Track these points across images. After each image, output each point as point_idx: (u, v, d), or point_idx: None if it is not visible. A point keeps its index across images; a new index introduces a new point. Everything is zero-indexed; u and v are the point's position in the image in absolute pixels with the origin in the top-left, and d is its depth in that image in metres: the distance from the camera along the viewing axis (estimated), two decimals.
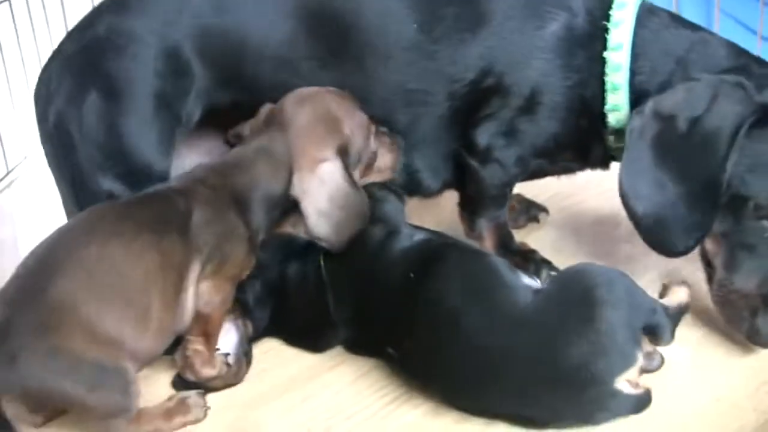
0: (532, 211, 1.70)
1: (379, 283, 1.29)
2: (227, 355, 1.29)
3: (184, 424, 1.22)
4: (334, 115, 1.33)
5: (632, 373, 1.11)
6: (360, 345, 1.33)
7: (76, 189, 1.39)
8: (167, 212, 1.23)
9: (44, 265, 1.16)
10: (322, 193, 1.28)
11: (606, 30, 1.34)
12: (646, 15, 1.36)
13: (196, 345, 1.25)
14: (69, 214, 1.42)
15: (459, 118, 1.42)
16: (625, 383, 1.11)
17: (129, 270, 1.17)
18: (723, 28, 1.64)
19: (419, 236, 1.32)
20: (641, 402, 1.14)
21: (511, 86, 1.37)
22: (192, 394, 1.24)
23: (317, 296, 1.32)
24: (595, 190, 1.77)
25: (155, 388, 1.28)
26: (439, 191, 1.52)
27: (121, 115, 1.37)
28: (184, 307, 1.22)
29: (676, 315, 1.21)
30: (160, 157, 1.38)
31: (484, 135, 1.40)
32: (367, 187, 1.37)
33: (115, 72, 1.37)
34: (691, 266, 1.42)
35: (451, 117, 1.42)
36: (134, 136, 1.37)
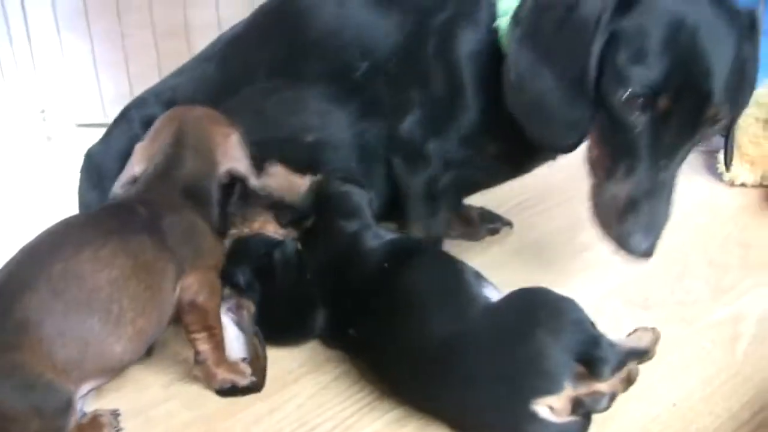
0: (495, 224, 1.71)
1: (351, 270, 1.33)
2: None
3: None
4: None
5: (555, 400, 1.09)
6: (330, 329, 1.35)
7: None
8: (133, 218, 1.25)
9: (12, 282, 1.16)
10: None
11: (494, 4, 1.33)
12: None
13: (202, 345, 1.28)
14: None
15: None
16: (545, 408, 1.09)
17: (97, 280, 1.17)
18: None
19: (391, 235, 1.37)
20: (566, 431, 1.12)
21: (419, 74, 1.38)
22: (106, 413, 1.23)
23: (299, 278, 1.36)
24: (558, 198, 1.81)
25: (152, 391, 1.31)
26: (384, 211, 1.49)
27: None
28: (161, 309, 1.23)
29: (623, 354, 1.14)
30: None
31: (404, 127, 1.39)
32: (329, 181, 1.42)
33: None
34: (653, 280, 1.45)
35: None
36: None
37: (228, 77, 1.53)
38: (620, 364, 1.13)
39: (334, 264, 1.35)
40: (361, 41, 1.41)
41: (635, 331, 1.24)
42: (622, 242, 1.17)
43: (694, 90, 1.13)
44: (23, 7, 2.28)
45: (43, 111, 2.39)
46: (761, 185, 1.85)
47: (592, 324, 1.15)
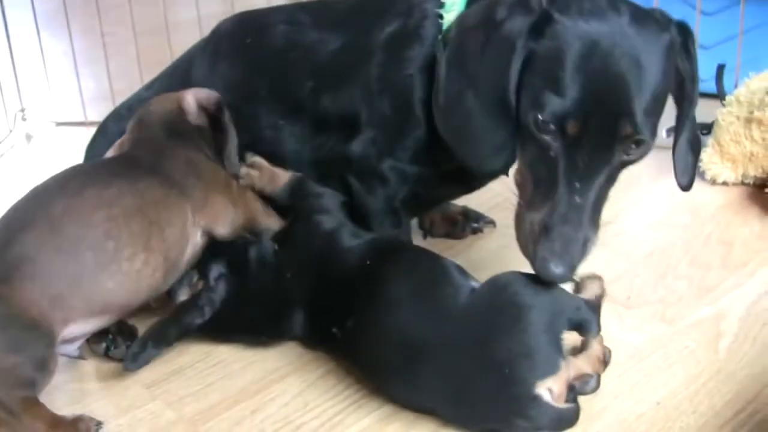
0: (478, 223, 1.70)
1: (331, 268, 1.32)
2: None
3: None
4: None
5: (554, 382, 1.11)
6: (310, 328, 1.34)
7: None
8: (138, 163, 1.34)
9: (16, 218, 1.24)
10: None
11: (441, 17, 1.32)
12: None
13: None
14: None
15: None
16: (546, 391, 1.11)
17: (95, 217, 1.23)
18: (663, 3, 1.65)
19: (371, 235, 1.37)
20: (563, 417, 1.14)
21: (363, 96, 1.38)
22: (88, 420, 1.20)
23: (275, 278, 1.35)
24: None
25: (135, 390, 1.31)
26: None
27: None
28: (169, 244, 1.30)
29: (596, 307, 1.22)
30: None
31: (357, 147, 1.39)
32: (306, 180, 1.43)
33: None
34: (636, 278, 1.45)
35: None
36: None
37: None
38: (599, 317, 1.21)
39: (312, 262, 1.34)
40: (307, 60, 1.43)
41: (581, 281, 1.28)
42: (538, 268, 1.16)
43: (605, 113, 1.12)
44: (2, 7, 2.26)
45: (23, 110, 2.38)
46: (742, 183, 1.86)
47: (566, 291, 1.20)
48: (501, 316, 1.15)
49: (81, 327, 1.25)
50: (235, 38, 1.54)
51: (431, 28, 1.33)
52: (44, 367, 1.16)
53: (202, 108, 1.45)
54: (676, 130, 1.28)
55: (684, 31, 1.19)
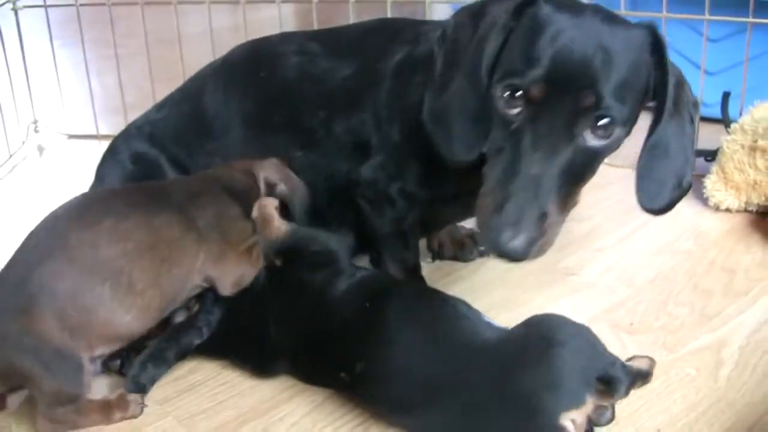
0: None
1: (327, 320, 1.33)
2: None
3: (122, 419, 1.29)
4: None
5: (578, 414, 1.12)
6: (313, 374, 1.36)
7: None
8: (163, 195, 1.37)
9: (34, 249, 1.27)
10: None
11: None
12: None
13: None
14: None
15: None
16: (569, 422, 1.12)
17: (111, 251, 1.27)
18: (669, 27, 1.67)
19: (363, 272, 1.38)
20: None
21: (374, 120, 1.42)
22: (125, 393, 1.31)
23: (259, 328, 1.37)
24: None
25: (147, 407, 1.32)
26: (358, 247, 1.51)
27: None
28: (176, 283, 1.33)
29: (633, 374, 1.19)
30: None
31: (367, 171, 1.43)
32: (296, 230, 1.43)
33: None
34: (639, 305, 1.47)
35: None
36: None
37: (205, 123, 1.59)
38: (631, 384, 1.17)
39: (300, 319, 1.35)
40: (318, 90, 1.47)
41: (634, 357, 1.27)
42: (490, 241, 1.11)
43: (569, 83, 1.11)
44: (17, 20, 2.30)
45: (35, 122, 2.41)
46: (746, 210, 1.89)
47: (605, 347, 1.18)
48: (532, 349, 1.16)
49: (101, 351, 1.29)
50: (247, 70, 1.57)
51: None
52: (81, 383, 1.25)
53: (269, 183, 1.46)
54: (646, 139, 1.23)
55: (654, 32, 1.18)
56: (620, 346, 1.43)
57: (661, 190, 1.23)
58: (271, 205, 1.42)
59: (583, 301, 1.56)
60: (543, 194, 1.11)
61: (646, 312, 1.53)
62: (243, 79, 1.56)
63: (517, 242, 1.09)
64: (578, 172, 1.15)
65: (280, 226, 1.41)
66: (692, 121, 1.24)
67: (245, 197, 1.42)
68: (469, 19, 1.25)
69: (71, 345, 1.23)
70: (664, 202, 1.24)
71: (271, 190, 1.45)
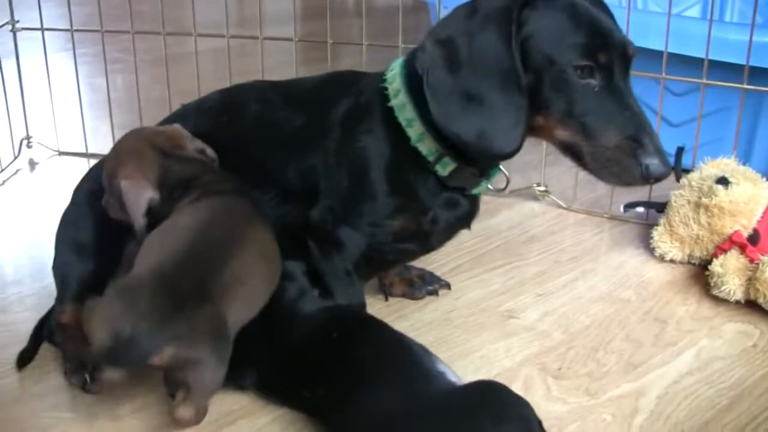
0: (434, 285, 1.81)
1: (293, 336, 1.43)
2: None
3: None
4: None
5: None
6: (273, 388, 1.45)
7: None
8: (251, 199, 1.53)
9: (219, 243, 1.38)
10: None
11: (385, 88, 1.48)
12: (409, 59, 1.48)
13: None
14: None
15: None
16: None
17: (271, 248, 1.46)
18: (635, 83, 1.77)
19: (329, 302, 1.50)
20: None
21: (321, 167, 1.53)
22: None
23: None
24: (491, 264, 1.94)
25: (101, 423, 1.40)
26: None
27: None
28: None
29: None
30: None
31: (315, 214, 1.53)
32: None
33: None
34: (571, 351, 1.56)
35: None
36: None
37: None
38: None
39: (270, 327, 1.43)
40: (274, 136, 1.58)
41: None
42: (646, 173, 1.33)
43: (615, 40, 1.36)
44: (15, 39, 2.40)
45: (28, 138, 2.52)
46: (689, 263, 1.98)
47: (540, 424, 1.23)
48: (465, 417, 1.20)
49: None
50: (215, 113, 1.67)
51: (378, 103, 1.49)
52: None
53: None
54: None
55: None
56: (545, 390, 1.51)
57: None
58: None
59: (517, 344, 1.63)
60: (649, 124, 1.36)
61: (575, 358, 1.60)
62: (209, 123, 1.66)
63: (666, 163, 1.34)
64: None
65: None
66: None
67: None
68: (457, 28, 1.39)
69: (231, 334, 1.32)
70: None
71: (203, 154, 1.59)
